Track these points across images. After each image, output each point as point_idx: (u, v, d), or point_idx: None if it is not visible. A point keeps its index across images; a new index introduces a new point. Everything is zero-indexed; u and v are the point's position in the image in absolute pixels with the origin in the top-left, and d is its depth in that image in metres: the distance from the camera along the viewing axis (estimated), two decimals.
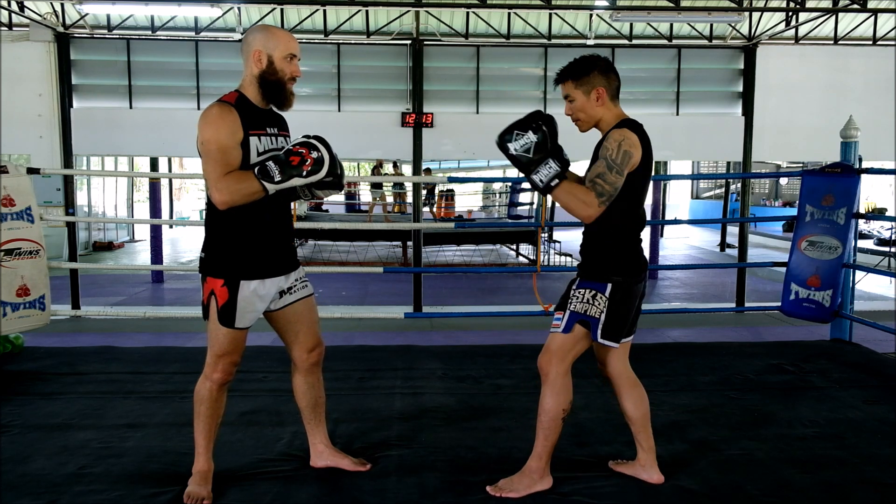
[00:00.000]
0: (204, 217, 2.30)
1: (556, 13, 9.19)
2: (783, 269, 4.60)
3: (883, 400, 3.35)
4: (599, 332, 2.27)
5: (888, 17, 9.49)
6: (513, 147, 2.19)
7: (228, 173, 2.10)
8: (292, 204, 2.51)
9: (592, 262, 2.31)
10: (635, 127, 2.25)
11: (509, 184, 15.34)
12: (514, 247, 14.84)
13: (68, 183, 9.48)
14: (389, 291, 10.05)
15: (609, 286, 2.27)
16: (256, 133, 2.20)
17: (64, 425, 2.96)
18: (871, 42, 9.72)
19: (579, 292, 2.29)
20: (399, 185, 15.62)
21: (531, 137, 2.17)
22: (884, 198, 20.40)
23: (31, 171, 4.28)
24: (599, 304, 2.26)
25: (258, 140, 2.20)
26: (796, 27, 9.33)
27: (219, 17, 9.00)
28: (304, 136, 2.15)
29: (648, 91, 9.56)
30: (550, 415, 2.30)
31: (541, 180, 2.19)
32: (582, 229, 2.38)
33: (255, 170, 2.11)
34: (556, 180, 2.18)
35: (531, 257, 14.00)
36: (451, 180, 7.86)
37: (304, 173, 2.11)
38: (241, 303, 2.21)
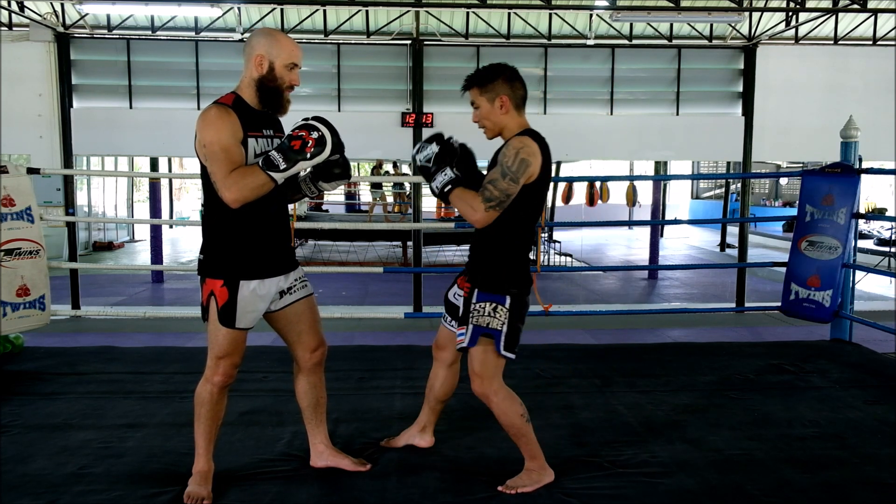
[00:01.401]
0: (202, 219, 2.30)
1: (556, 13, 9.18)
2: (783, 269, 4.60)
3: (883, 400, 3.35)
4: (502, 344, 2.29)
5: (888, 17, 9.49)
6: (419, 158, 2.31)
7: (234, 170, 2.10)
8: (291, 205, 2.50)
9: (489, 273, 2.32)
10: (536, 137, 2.27)
11: None
12: None
13: (68, 183, 9.48)
14: (389, 291, 10.05)
15: (508, 298, 2.28)
16: (254, 135, 2.20)
17: (64, 425, 2.96)
18: (871, 42, 9.72)
19: (480, 306, 2.29)
20: (399, 185, 15.62)
21: (433, 149, 2.27)
22: (884, 198, 20.40)
23: (31, 171, 4.28)
24: (500, 317, 2.28)
25: (255, 142, 2.20)
26: (796, 27, 9.33)
27: (219, 18, 9.00)
28: (302, 119, 2.14)
29: (648, 91, 9.55)
30: (516, 426, 2.37)
31: (437, 186, 2.27)
32: (475, 235, 2.39)
33: (260, 162, 2.10)
34: (450, 186, 2.23)
35: (531, 257, 13.96)
36: None
37: (308, 155, 2.09)
38: (241, 303, 2.22)
